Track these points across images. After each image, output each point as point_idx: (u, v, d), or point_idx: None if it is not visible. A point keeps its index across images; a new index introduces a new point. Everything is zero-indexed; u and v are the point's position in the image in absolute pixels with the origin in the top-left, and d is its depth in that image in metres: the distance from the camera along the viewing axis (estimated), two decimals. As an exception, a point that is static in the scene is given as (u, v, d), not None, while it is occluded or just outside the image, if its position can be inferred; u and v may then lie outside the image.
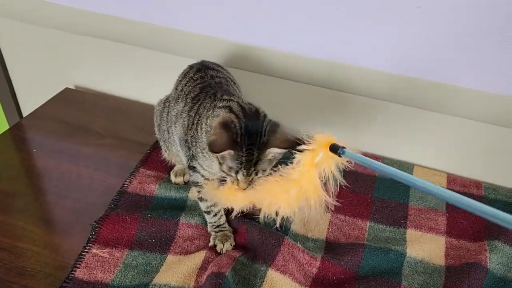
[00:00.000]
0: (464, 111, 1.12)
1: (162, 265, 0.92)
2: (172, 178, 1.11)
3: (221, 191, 0.85)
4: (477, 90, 1.07)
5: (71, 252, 0.93)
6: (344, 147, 0.67)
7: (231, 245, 0.96)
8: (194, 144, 0.91)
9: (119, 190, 1.07)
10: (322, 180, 0.72)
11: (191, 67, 1.02)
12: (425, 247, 0.98)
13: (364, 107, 1.21)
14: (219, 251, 0.94)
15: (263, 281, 0.89)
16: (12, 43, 1.47)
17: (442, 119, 1.15)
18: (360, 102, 1.20)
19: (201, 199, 0.97)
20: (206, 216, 0.98)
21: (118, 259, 0.92)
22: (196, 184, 0.96)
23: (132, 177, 1.11)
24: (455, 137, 1.19)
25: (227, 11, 1.17)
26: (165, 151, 1.10)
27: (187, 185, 1.10)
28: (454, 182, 1.17)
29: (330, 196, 0.74)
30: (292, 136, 0.78)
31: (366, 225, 1.04)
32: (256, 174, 0.81)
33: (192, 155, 0.93)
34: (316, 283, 0.91)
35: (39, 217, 1.02)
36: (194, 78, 0.98)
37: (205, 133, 0.86)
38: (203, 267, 0.90)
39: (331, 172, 0.71)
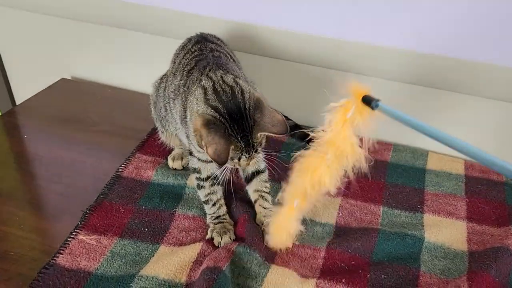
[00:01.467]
0: (485, 90, 1.05)
1: (153, 255, 0.84)
2: (170, 162, 1.04)
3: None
4: (500, 66, 1.00)
5: (59, 237, 0.86)
6: (378, 100, 0.61)
7: (230, 238, 0.87)
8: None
9: (113, 175, 1.01)
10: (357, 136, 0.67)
11: (189, 39, 0.96)
12: (445, 232, 0.91)
13: (372, 89, 1.14)
14: (216, 245, 0.86)
15: (268, 272, 0.81)
16: (7, 32, 1.43)
17: (459, 100, 1.08)
18: (368, 83, 1.13)
19: (198, 186, 0.91)
20: (205, 206, 0.91)
21: (105, 247, 0.85)
22: (194, 170, 0.90)
23: (127, 162, 1.05)
24: (473, 119, 1.11)
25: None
26: (162, 132, 1.04)
27: (185, 170, 1.03)
28: (473, 168, 1.09)
29: (367, 152, 0.69)
30: (279, 115, 0.77)
31: (380, 209, 0.97)
32: (256, 151, 0.79)
33: (187, 135, 0.87)
34: (325, 273, 0.83)
35: (27, 201, 0.96)
36: (192, 50, 0.92)
37: (190, 119, 0.81)
38: (197, 261, 0.82)
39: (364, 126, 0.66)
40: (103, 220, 0.90)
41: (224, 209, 0.91)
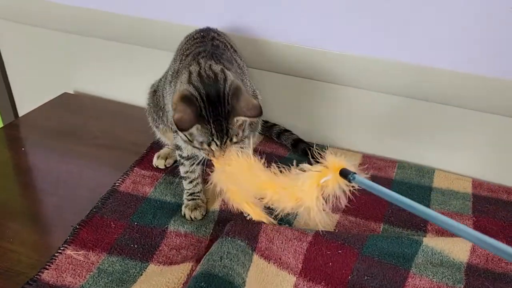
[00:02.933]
0: (493, 105, 1.01)
1: (141, 274, 0.81)
2: (154, 160, 1.08)
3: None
4: (505, 80, 0.97)
5: (49, 251, 0.84)
6: (355, 173, 0.64)
7: (201, 214, 0.93)
8: None
9: (109, 189, 0.99)
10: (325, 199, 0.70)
11: (197, 30, 0.98)
12: (448, 239, 0.87)
13: (376, 104, 1.11)
14: (187, 219, 0.92)
15: (250, 264, 0.79)
16: (11, 46, 1.44)
17: (466, 116, 1.05)
18: (371, 98, 1.11)
19: (180, 162, 0.95)
20: (183, 181, 0.96)
21: (93, 263, 0.82)
22: (178, 147, 0.94)
23: (125, 176, 1.03)
24: (482, 136, 1.07)
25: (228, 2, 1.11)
26: (157, 127, 1.06)
27: (180, 179, 1.00)
28: (481, 187, 1.05)
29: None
30: (256, 100, 0.78)
31: (380, 227, 0.93)
32: (231, 140, 0.79)
33: None
34: (307, 264, 0.81)
35: (21, 213, 0.95)
36: (195, 37, 0.95)
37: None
38: (187, 283, 0.77)
39: (335, 193, 0.68)
40: (93, 235, 0.87)
41: (199, 187, 0.96)
